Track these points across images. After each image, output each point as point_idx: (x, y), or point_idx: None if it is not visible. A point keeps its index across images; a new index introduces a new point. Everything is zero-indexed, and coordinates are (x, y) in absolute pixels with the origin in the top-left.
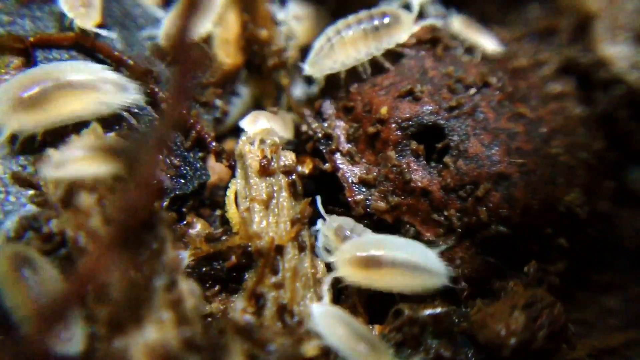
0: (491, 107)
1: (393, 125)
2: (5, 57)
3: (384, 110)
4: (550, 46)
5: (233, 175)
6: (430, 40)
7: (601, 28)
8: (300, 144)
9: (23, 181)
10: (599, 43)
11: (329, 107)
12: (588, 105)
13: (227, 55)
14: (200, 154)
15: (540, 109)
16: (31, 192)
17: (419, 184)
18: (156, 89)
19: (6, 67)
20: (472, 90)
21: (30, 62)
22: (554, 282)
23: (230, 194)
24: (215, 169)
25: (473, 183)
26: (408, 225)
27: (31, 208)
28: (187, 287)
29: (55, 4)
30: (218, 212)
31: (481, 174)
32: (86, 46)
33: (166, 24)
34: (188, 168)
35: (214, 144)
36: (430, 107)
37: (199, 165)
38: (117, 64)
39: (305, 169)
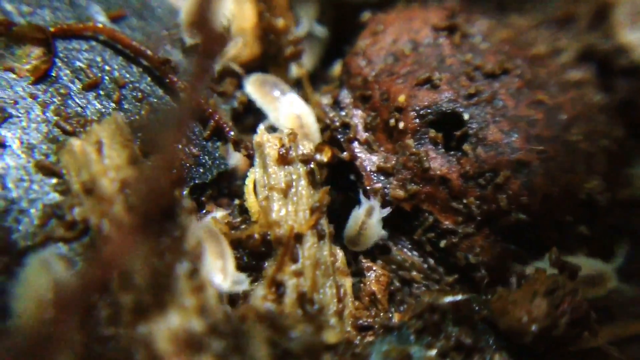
0: (510, 94)
1: (411, 113)
2: (26, 47)
3: (401, 98)
4: (569, 33)
5: (252, 165)
6: (448, 28)
7: (621, 14)
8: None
9: (46, 170)
10: (619, 29)
11: (346, 96)
12: (608, 93)
13: (243, 44)
14: (219, 143)
15: (560, 96)
16: (54, 180)
17: (438, 172)
18: (174, 79)
19: (27, 57)
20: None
21: (50, 52)
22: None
23: (249, 182)
24: (234, 158)
25: (492, 171)
26: (427, 214)
27: (55, 196)
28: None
29: None
30: (237, 202)
31: (501, 162)
32: (105, 37)
33: (184, 10)
34: (207, 157)
35: (232, 133)
36: (449, 95)
37: (217, 155)
38: (136, 54)
39: (324, 157)
